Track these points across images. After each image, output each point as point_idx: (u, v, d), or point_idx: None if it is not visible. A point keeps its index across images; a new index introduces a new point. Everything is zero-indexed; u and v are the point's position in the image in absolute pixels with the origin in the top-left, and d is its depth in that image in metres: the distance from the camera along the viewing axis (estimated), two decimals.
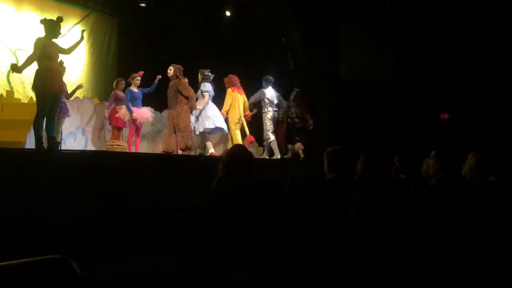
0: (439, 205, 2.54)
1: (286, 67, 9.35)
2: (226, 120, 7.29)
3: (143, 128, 7.55)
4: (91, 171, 4.32)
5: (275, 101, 7.83)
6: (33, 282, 1.26)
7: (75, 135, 7.75)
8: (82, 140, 7.86)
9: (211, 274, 2.51)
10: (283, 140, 8.23)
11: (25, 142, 6.40)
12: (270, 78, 7.82)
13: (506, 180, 3.25)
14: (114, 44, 11.20)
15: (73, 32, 9.78)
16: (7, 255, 1.43)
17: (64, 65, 6.70)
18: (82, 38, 5.37)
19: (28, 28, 8.89)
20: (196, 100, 6.97)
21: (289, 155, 8.01)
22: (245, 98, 7.61)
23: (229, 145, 7.27)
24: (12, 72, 4.97)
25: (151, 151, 8.11)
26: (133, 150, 7.13)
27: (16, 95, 8.69)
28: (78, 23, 10.23)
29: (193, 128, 6.99)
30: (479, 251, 2.36)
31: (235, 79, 7.42)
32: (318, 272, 2.33)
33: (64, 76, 6.23)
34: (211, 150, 6.92)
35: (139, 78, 7.30)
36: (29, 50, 4.98)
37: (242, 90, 7.54)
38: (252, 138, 7.60)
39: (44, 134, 4.94)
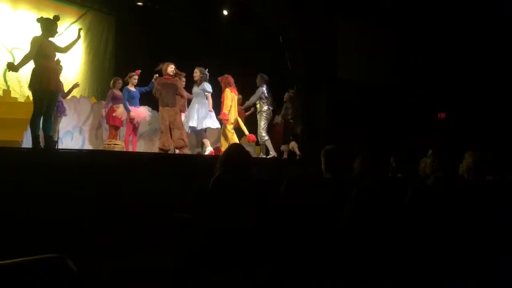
0: (436, 204, 2.54)
1: (283, 67, 9.35)
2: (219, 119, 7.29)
3: (140, 127, 7.54)
4: (88, 170, 4.31)
5: (270, 100, 7.85)
6: (30, 281, 1.25)
7: (72, 134, 7.74)
8: (79, 139, 7.84)
9: (208, 273, 2.51)
10: (281, 140, 8.24)
11: (21, 141, 6.39)
12: (265, 76, 7.83)
13: (503, 179, 3.26)
14: (111, 43, 11.17)
15: (70, 31, 9.75)
16: (4, 255, 1.42)
17: (61, 64, 6.69)
18: (79, 36, 5.36)
19: (25, 26, 8.85)
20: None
21: (285, 156, 8.01)
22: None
23: (222, 145, 7.26)
24: (9, 71, 4.95)
25: (148, 150, 8.10)
26: (130, 149, 7.12)
27: (12, 94, 8.67)
28: (75, 22, 10.21)
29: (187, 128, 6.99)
30: (477, 251, 2.36)
31: (231, 79, 7.42)
32: (315, 271, 2.33)
33: (61, 75, 6.21)
34: (209, 148, 6.93)
35: (136, 77, 7.29)
36: (26, 49, 4.97)
37: (236, 90, 7.55)
38: (253, 137, 7.59)
39: (41, 133, 4.93)
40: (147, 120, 7.61)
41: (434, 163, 2.79)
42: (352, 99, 8.73)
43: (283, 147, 8.13)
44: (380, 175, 3.07)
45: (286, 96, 8.13)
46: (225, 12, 10.34)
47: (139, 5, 10.31)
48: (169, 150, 6.56)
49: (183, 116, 7.09)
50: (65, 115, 7.10)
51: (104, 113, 7.50)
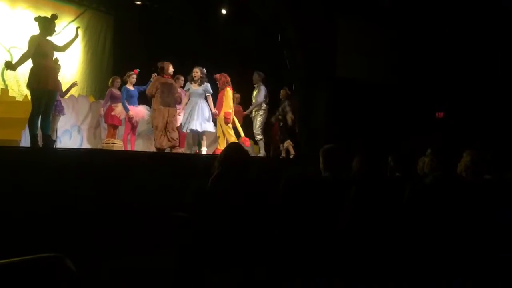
0: (434, 203, 2.54)
1: (282, 65, 9.34)
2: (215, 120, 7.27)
3: (138, 126, 7.54)
4: (87, 170, 4.31)
5: (267, 99, 7.84)
6: (28, 280, 1.25)
7: (71, 133, 7.73)
8: (78, 138, 7.84)
9: (207, 273, 2.51)
10: (279, 139, 8.24)
11: (20, 140, 6.37)
12: (262, 73, 7.80)
13: (501, 179, 3.27)
14: (109, 42, 11.15)
15: (68, 30, 9.73)
16: (2, 254, 1.42)
17: (59, 63, 6.67)
18: (76, 35, 5.35)
19: (23, 25, 8.83)
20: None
21: (283, 154, 8.01)
22: None
23: (220, 144, 7.24)
24: (7, 70, 4.96)
25: (146, 149, 8.09)
26: (128, 148, 7.12)
27: (10, 93, 8.64)
28: (73, 20, 10.19)
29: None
30: (476, 250, 2.37)
31: (228, 77, 7.41)
32: (314, 271, 2.33)
33: (59, 74, 6.20)
34: (205, 148, 6.95)
35: (134, 76, 7.28)
36: (24, 47, 4.96)
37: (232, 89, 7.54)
38: (248, 142, 7.52)
39: (39, 132, 4.92)
40: (146, 119, 7.60)
41: (432, 162, 2.79)
42: (351, 98, 8.73)
43: (281, 146, 8.12)
44: (379, 174, 3.06)
45: (282, 92, 8.01)
46: (223, 11, 10.33)
47: (137, 4, 10.29)
48: (165, 149, 6.57)
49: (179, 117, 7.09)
50: (63, 114, 7.08)
51: (102, 112, 7.49)
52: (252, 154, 7.60)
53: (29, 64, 4.87)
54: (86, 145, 7.85)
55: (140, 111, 7.28)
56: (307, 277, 2.30)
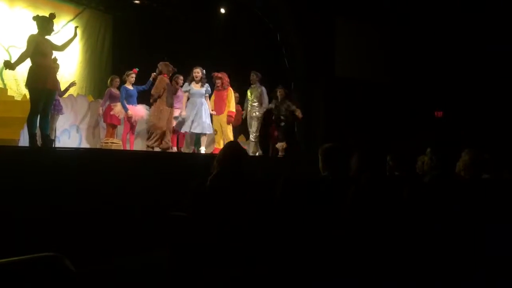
0: (433, 202, 2.55)
1: (278, 65, 9.34)
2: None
3: (137, 126, 7.53)
4: (85, 169, 4.30)
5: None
6: (27, 280, 1.25)
7: (69, 133, 7.72)
8: (77, 137, 7.83)
9: (205, 272, 2.51)
10: (277, 138, 8.23)
11: (18, 139, 6.37)
12: (259, 73, 7.75)
13: (500, 178, 3.28)
14: (108, 41, 11.14)
15: (67, 29, 9.72)
16: (1, 253, 1.42)
17: (57, 62, 6.66)
18: (75, 34, 5.35)
19: (22, 25, 8.82)
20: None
21: (280, 153, 8.01)
22: None
23: (219, 144, 7.24)
24: (5, 69, 4.94)
25: (145, 149, 8.09)
26: (127, 147, 7.11)
27: (9, 93, 8.63)
28: (71, 20, 10.18)
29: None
30: (475, 249, 2.37)
31: (228, 77, 7.39)
32: (314, 270, 2.33)
33: (57, 73, 6.19)
34: (203, 148, 6.95)
35: (133, 75, 7.27)
36: (22, 47, 4.95)
37: None
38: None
39: (38, 131, 4.92)
40: (145, 119, 7.59)
41: (432, 161, 2.79)
42: (350, 97, 8.74)
43: (279, 146, 8.10)
44: (378, 173, 3.07)
45: (280, 92, 7.94)
46: (222, 10, 10.31)
47: (136, 3, 10.28)
48: (168, 149, 6.60)
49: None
50: (62, 114, 7.08)
51: (101, 112, 7.48)
52: (251, 154, 7.62)
53: (27, 63, 4.86)
54: (85, 145, 7.84)
55: (139, 111, 7.27)
56: (306, 277, 2.30)
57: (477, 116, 8.47)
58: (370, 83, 8.92)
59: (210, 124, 7.02)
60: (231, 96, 7.24)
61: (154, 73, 7.01)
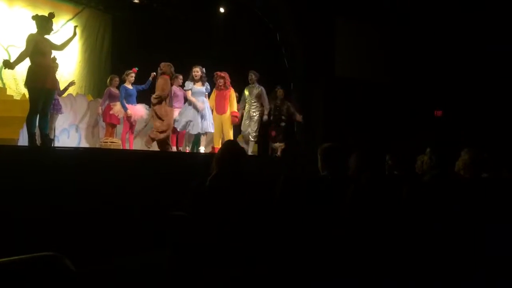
0: (433, 201, 2.55)
1: (277, 65, 9.33)
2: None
3: (137, 125, 7.53)
4: (85, 169, 4.29)
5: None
6: (26, 279, 1.25)
7: (69, 132, 7.72)
8: (76, 137, 7.83)
9: (205, 272, 2.51)
10: (276, 137, 8.22)
11: (18, 139, 6.37)
12: (257, 73, 7.72)
13: (499, 177, 3.28)
14: (107, 40, 11.14)
15: (66, 29, 9.72)
16: (0, 253, 1.42)
17: (56, 61, 6.66)
18: (74, 34, 5.34)
19: (21, 24, 8.82)
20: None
21: (279, 153, 8.00)
22: None
23: (217, 143, 7.23)
24: (4, 69, 4.94)
25: (145, 148, 8.09)
26: (127, 147, 7.11)
27: (8, 92, 8.63)
28: (71, 19, 10.18)
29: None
30: (474, 248, 2.37)
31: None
32: (313, 270, 2.33)
33: (57, 72, 6.19)
34: (203, 148, 6.96)
35: (133, 75, 7.26)
36: (22, 46, 4.95)
37: None
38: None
39: (37, 131, 4.92)
40: (144, 118, 7.59)
41: (431, 161, 2.79)
42: (349, 97, 8.74)
43: (275, 145, 8.08)
44: (377, 172, 3.07)
45: (279, 92, 7.91)
46: (222, 10, 10.31)
47: (135, 2, 10.28)
48: (168, 149, 6.63)
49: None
50: (61, 113, 7.07)
51: (100, 111, 7.47)
52: (250, 153, 7.62)
53: (27, 62, 4.86)
54: (84, 144, 7.84)
55: (138, 110, 7.27)
56: (306, 276, 2.30)
57: (476, 115, 8.48)
58: (370, 83, 8.91)
59: (213, 122, 7.01)
60: (234, 96, 7.23)
61: (154, 73, 7.01)
